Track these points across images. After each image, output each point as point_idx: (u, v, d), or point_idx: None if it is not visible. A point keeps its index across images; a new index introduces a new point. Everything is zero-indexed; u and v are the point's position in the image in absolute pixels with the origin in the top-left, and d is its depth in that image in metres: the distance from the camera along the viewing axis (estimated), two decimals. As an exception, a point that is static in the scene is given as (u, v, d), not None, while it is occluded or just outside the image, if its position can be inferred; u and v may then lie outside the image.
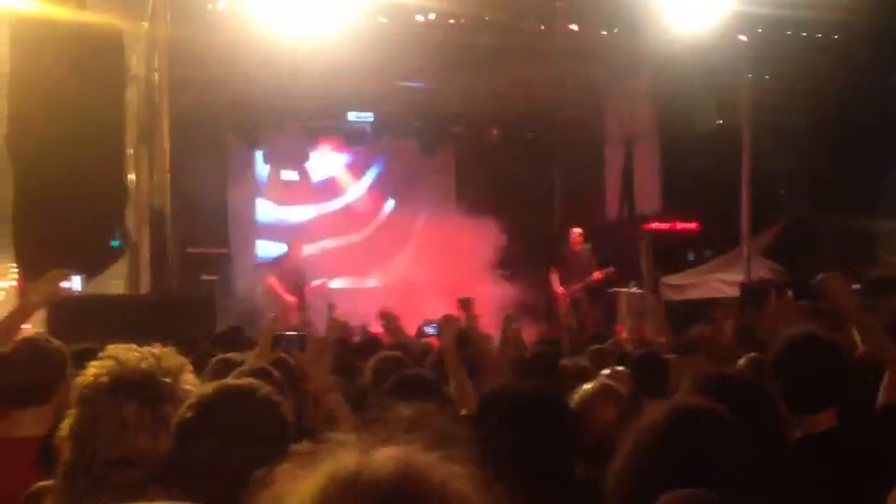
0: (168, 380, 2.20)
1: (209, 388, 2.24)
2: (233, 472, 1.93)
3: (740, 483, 1.91)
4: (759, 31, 12.89)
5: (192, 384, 2.26)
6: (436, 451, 1.16)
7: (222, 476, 2.01)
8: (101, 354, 2.24)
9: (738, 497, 1.88)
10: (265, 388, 2.26)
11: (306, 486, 1.11)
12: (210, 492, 1.99)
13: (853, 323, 3.63)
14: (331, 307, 8.73)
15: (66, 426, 2.20)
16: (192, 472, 2.07)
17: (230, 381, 2.40)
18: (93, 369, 2.21)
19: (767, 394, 2.72)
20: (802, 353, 3.14)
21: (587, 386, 3.25)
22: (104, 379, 2.17)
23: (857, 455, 2.87)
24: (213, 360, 4.52)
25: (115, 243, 10.22)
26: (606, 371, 3.69)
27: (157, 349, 2.27)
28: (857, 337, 4.41)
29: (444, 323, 4.71)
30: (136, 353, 2.23)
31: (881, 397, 3.31)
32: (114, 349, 2.24)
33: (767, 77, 13.62)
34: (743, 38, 13.00)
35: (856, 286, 4.63)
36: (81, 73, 9.28)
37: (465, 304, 5.84)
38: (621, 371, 3.77)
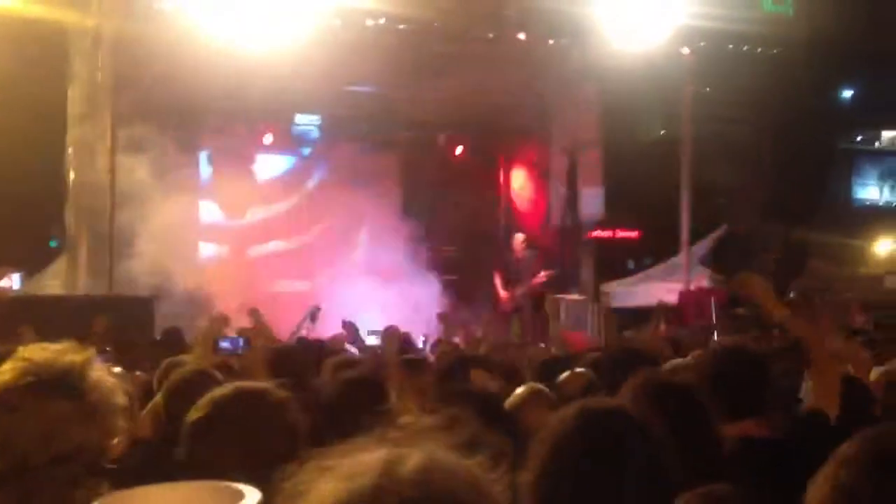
0: (85, 371, 2.16)
1: (223, 389, 2.27)
2: (243, 470, 1.92)
3: (651, 480, 1.94)
4: (702, 44, 13.15)
5: (102, 376, 2.20)
6: (462, 453, 1.13)
7: (232, 475, 2.02)
8: (11, 357, 2.16)
9: (650, 493, 1.92)
10: (277, 393, 2.28)
11: (330, 486, 1.08)
12: None
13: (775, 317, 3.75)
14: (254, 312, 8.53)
15: None
16: (202, 471, 2.04)
17: (243, 383, 2.41)
18: (8, 373, 2.13)
19: (702, 398, 2.79)
20: (730, 362, 3.27)
21: (519, 390, 3.30)
22: (22, 380, 2.10)
23: (780, 462, 2.96)
24: (166, 361, 4.50)
25: (52, 243, 10.06)
26: (566, 373, 3.73)
27: (61, 345, 2.21)
28: None
29: (386, 334, 4.76)
30: (48, 352, 2.17)
31: (805, 403, 3.43)
32: (23, 350, 2.18)
33: (709, 89, 13.88)
34: (686, 50, 13.24)
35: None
36: (23, 69, 9.13)
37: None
38: (581, 372, 3.81)
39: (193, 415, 2.19)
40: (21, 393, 2.10)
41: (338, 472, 1.09)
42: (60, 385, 2.13)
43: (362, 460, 1.10)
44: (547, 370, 4.66)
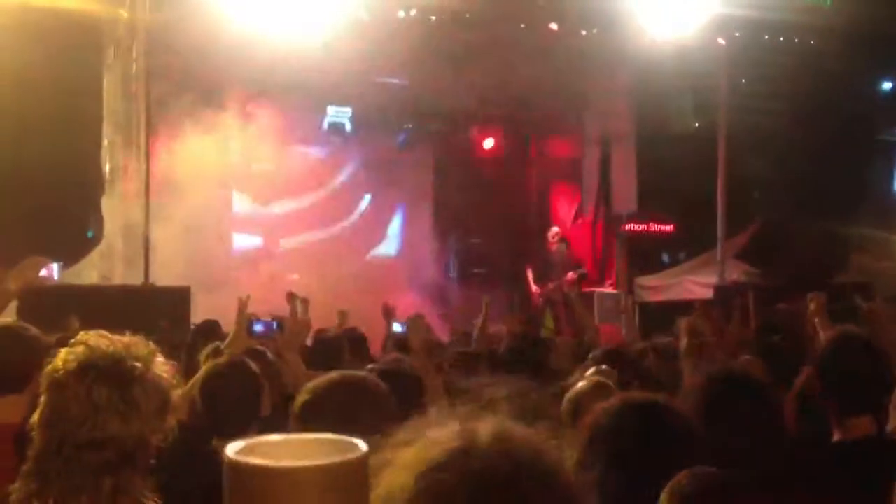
0: (138, 364, 2.21)
1: (328, 376, 2.50)
2: None
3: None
4: (737, 34, 13.00)
5: (163, 371, 2.27)
6: (529, 425, 1.22)
7: None
8: (71, 342, 2.25)
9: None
10: (373, 378, 2.56)
11: (411, 455, 1.17)
12: None
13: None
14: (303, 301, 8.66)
15: (37, 412, 2.21)
16: None
17: (345, 371, 2.64)
18: (62, 355, 2.22)
19: (773, 394, 2.72)
20: (849, 354, 3.08)
21: (581, 383, 3.26)
22: (73, 364, 2.18)
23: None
24: (208, 348, 4.58)
25: (89, 234, 10.14)
26: (592, 369, 3.69)
27: (126, 337, 2.29)
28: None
29: (413, 322, 4.74)
30: (106, 340, 2.24)
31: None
32: (84, 336, 2.26)
33: (744, 80, 13.73)
34: (721, 41, 13.10)
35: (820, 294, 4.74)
36: (59, 61, 9.20)
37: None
38: (607, 370, 3.76)
39: (301, 398, 2.40)
40: (70, 375, 2.17)
41: (420, 444, 1.18)
42: (108, 374, 2.18)
43: (440, 431, 1.19)
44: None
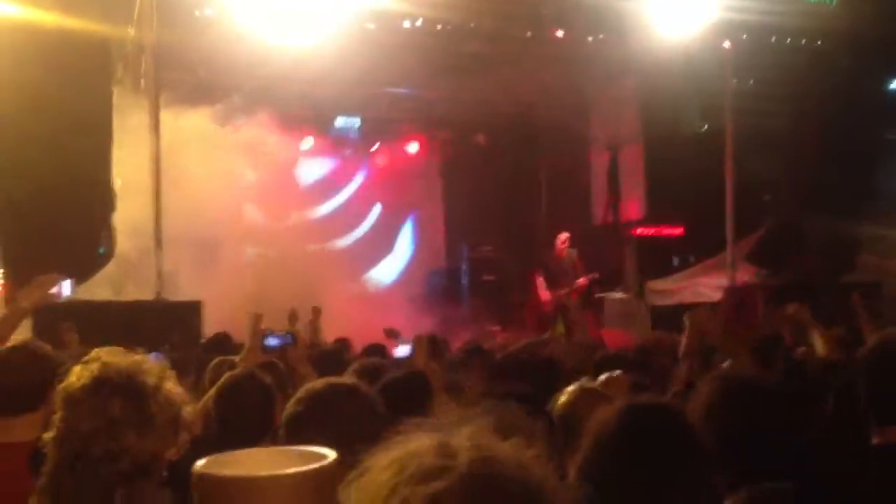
0: (152, 379, 2.25)
1: (317, 384, 2.48)
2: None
3: (694, 476, 1.99)
4: (744, 37, 12.99)
5: (174, 389, 2.31)
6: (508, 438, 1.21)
7: None
8: (84, 359, 2.29)
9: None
10: (365, 386, 2.53)
11: (384, 467, 1.16)
12: None
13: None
14: (314, 311, 8.68)
15: (52, 429, 2.24)
16: None
17: (335, 379, 2.62)
18: (77, 371, 2.26)
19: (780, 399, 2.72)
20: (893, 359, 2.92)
21: (569, 388, 3.27)
22: (88, 379, 2.22)
23: None
24: (216, 360, 4.62)
25: (101, 250, 10.20)
26: (604, 376, 3.70)
27: (139, 355, 2.34)
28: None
29: (416, 341, 4.84)
30: (119, 356, 2.29)
31: None
32: (97, 352, 2.30)
33: (752, 83, 13.71)
34: (727, 44, 13.10)
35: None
36: (68, 79, 9.27)
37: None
38: (618, 376, 3.77)
39: (291, 408, 2.39)
40: (86, 391, 2.22)
41: (396, 454, 1.17)
42: (123, 389, 2.22)
43: (418, 443, 1.18)
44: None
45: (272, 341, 6.35)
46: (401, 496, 1.12)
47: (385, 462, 1.16)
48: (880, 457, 2.79)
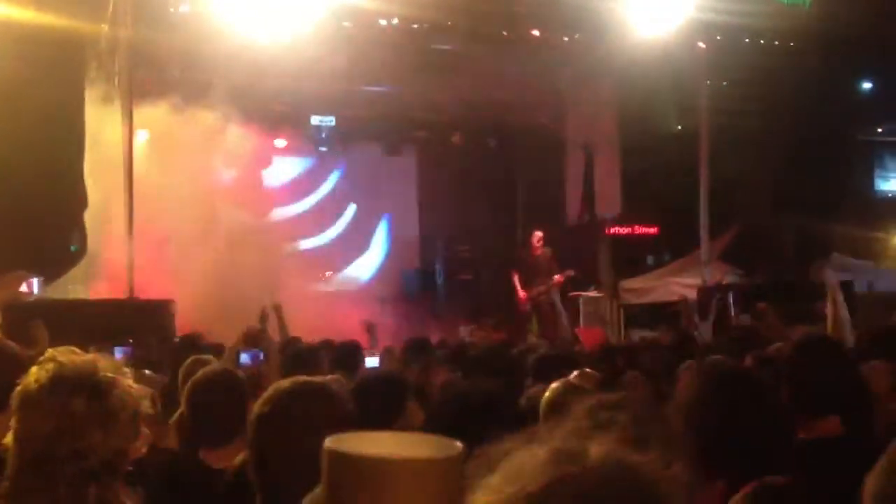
0: (110, 375, 2.24)
1: (285, 383, 2.43)
2: (305, 460, 1.99)
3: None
4: (718, 38, 13.08)
5: (131, 385, 2.30)
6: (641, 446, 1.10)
7: (295, 465, 2.14)
8: (40, 359, 2.26)
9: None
10: (333, 385, 2.53)
11: (503, 484, 1.04)
12: (284, 480, 2.19)
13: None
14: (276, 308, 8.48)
15: (9, 432, 2.21)
16: (268, 461, 2.26)
17: (304, 378, 2.56)
18: (33, 372, 2.23)
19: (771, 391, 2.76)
20: (813, 356, 3.17)
21: (554, 385, 3.27)
22: (45, 380, 2.19)
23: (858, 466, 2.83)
24: (190, 359, 4.63)
25: (73, 248, 10.11)
26: (576, 372, 3.70)
27: (92, 354, 2.32)
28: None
29: (385, 353, 4.88)
30: (76, 355, 2.27)
31: None
32: (51, 352, 2.28)
33: (726, 83, 13.80)
34: (702, 45, 13.18)
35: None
36: (40, 75, 9.17)
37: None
38: (589, 371, 3.78)
39: (259, 409, 2.34)
40: (44, 391, 2.19)
41: (506, 471, 1.05)
42: (82, 387, 2.20)
43: (530, 457, 1.05)
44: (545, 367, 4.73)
45: (244, 358, 6.29)
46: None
47: (496, 482, 1.03)
48: (807, 451, 2.91)
